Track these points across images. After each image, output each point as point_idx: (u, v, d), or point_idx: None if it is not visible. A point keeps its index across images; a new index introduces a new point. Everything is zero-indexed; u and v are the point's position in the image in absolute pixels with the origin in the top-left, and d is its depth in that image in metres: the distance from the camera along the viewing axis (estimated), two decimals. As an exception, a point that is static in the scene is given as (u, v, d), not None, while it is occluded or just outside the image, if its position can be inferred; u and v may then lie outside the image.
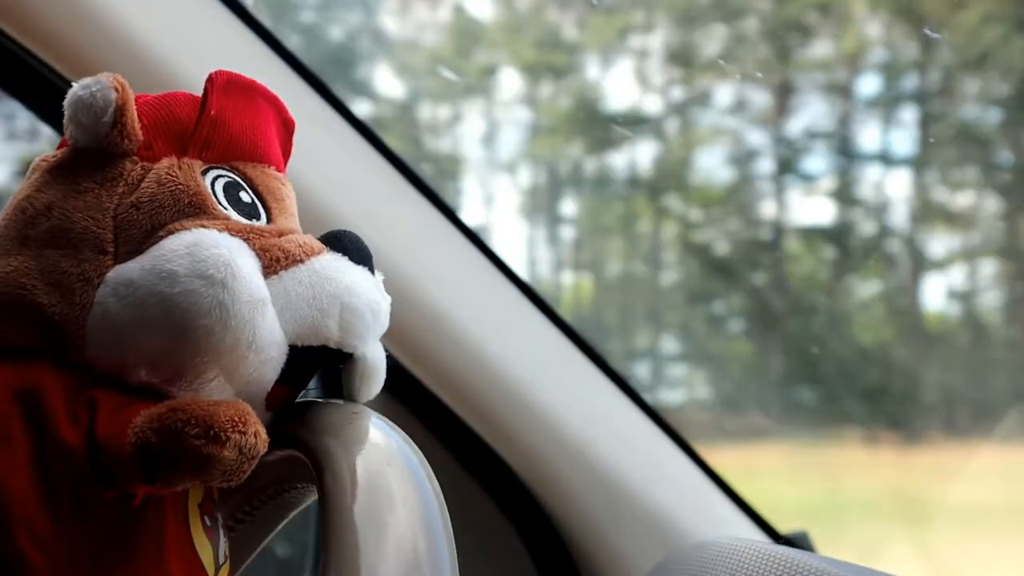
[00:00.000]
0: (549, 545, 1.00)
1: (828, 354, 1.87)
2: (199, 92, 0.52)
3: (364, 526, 0.44)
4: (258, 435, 0.44)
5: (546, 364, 0.99)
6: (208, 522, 0.51)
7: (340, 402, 0.51)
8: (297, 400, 0.52)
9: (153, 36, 0.80)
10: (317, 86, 0.89)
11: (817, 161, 2.00)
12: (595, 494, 0.98)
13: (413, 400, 0.94)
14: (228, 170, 0.52)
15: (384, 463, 0.47)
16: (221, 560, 0.52)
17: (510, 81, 2.13)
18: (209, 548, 0.50)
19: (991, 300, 2.04)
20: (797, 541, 1.08)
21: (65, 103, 0.50)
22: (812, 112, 1.95)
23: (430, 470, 0.48)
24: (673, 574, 0.73)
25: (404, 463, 0.48)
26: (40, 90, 0.80)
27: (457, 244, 0.95)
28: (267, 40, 0.87)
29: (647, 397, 1.03)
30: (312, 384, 0.52)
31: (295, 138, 0.57)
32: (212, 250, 0.47)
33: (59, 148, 0.53)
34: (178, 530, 0.49)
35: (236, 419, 0.43)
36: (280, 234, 0.50)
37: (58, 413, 0.46)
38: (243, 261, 0.47)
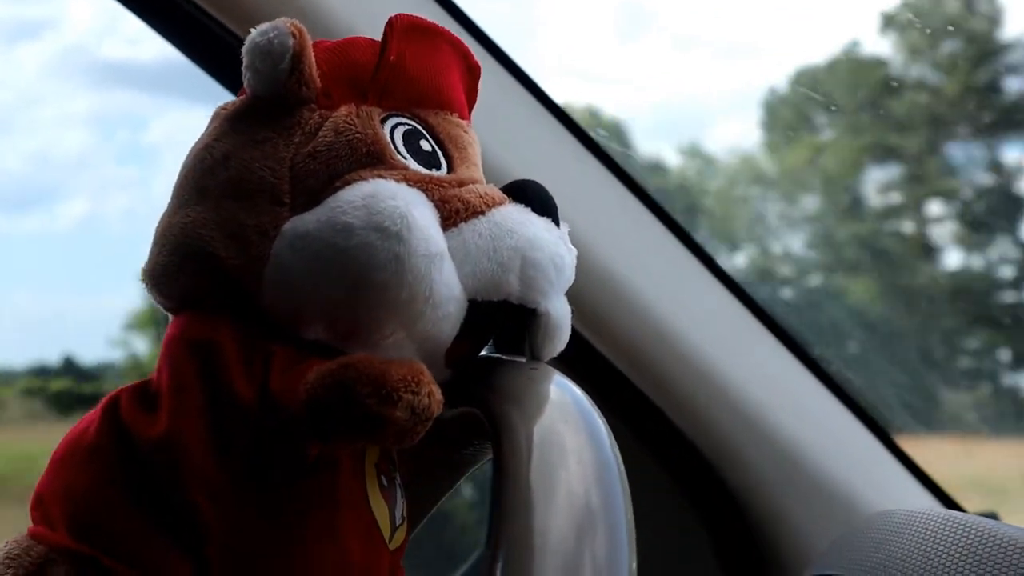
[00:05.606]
0: (726, 516, 0.98)
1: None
2: (379, 38, 0.50)
3: (536, 484, 0.43)
4: (432, 396, 0.43)
5: (726, 336, 0.96)
6: (385, 482, 0.50)
7: (521, 360, 0.49)
8: (480, 356, 0.50)
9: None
10: (492, 49, 0.87)
11: None
12: (773, 464, 0.96)
13: (592, 373, 0.92)
14: (409, 118, 0.50)
15: (560, 420, 0.45)
16: (398, 521, 0.50)
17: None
18: (385, 508, 0.49)
19: None
20: (987, 520, 1.03)
21: (243, 50, 0.49)
22: None
23: (608, 428, 0.46)
24: (857, 542, 0.69)
25: (580, 420, 0.46)
26: (216, 50, 0.80)
27: (640, 213, 0.93)
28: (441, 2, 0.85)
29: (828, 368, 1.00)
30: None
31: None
32: (388, 202, 0.45)
33: (239, 96, 0.52)
34: (353, 489, 0.48)
35: (409, 379, 0.42)
36: (461, 184, 0.48)
37: (233, 366, 0.45)
38: (420, 213, 0.46)
